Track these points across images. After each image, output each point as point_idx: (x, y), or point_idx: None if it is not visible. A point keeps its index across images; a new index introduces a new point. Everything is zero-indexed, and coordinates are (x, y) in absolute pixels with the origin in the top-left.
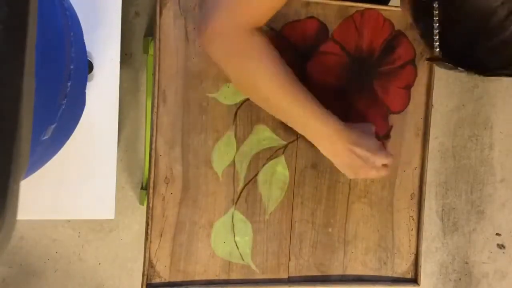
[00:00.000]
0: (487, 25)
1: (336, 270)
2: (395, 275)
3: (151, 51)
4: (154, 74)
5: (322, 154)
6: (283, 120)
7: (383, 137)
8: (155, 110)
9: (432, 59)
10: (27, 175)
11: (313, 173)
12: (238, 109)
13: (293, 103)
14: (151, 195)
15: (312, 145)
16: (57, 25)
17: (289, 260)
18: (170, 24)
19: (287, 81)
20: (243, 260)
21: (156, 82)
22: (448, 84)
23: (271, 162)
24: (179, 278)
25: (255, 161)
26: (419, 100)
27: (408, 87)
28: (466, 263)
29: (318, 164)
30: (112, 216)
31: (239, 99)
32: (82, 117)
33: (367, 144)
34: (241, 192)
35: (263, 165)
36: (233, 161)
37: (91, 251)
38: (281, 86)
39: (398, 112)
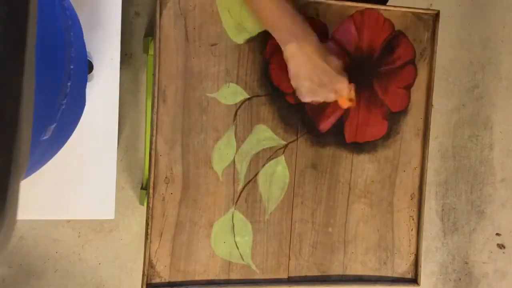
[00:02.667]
0: None
1: (336, 270)
2: (395, 275)
3: (151, 51)
4: (154, 74)
5: (322, 152)
6: (257, 17)
7: (383, 138)
8: (155, 110)
9: None
10: (27, 175)
11: (313, 173)
12: (238, 109)
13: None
14: (151, 195)
15: (312, 145)
16: (57, 25)
17: (289, 260)
18: (170, 24)
19: None
20: (243, 260)
21: (156, 82)
22: (448, 84)
23: (271, 162)
24: (179, 278)
25: (255, 161)
26: (419, 100)
27: (408, 87)
28: (466, 263)
29: (318, 164)
30: (112, 216)
31: (239, 99)
32: (82, 117)
33: (335, 63)
34: (241, 192)
35: (263, 165)
36: (233, 161)
37: (91, 251)
38: None
39: (398, 112)
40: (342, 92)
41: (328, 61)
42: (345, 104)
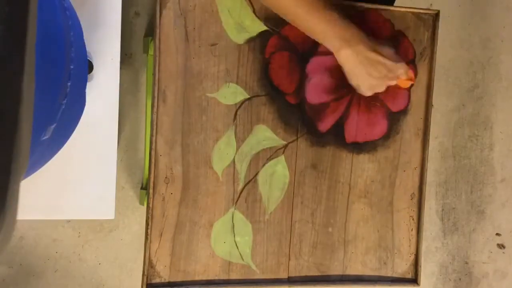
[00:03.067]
0: None
1: (336, 270)
2: (395, 275)
3: (151, 51)
4: (154, 74)
5: (322, 152)
6: (302, 28)
7: (383, 138)
8: (155, 110)
9: None
10: (27, 175)
11: (313, 173)
12: (238, 109)
13: (310, 10)
14: (151, 195)
15: (312, 145)
16: (57, 25)
17: (289, 260)
18: (170, 24)
19: None
20: (243, 260)
21: (156, 82)
22: (448, 84)
23: (271, 162)
24: (179, 278)
25: (255, 161)
26: (419, 100)
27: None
28: (466, 263)
29: (318, 164)
30: (112, 216)
31: (239, 99)
32: (82, 117)
33: (388, 52)
34: (241, 192)
35: (263, 165)
36: (233, 161)
37: (91, 251)
38: None
39: (398, 112)
40: (402, 76)
41: (381, 52)
42: (405, 84)
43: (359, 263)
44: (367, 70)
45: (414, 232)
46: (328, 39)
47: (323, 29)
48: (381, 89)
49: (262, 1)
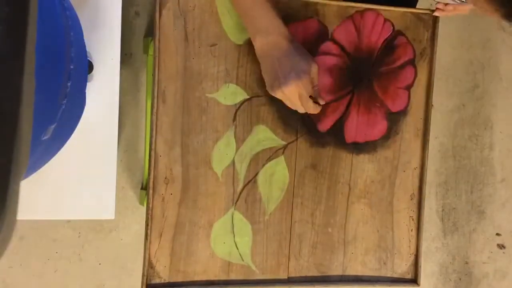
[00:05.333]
0: None
1: (336, 270)
2: (395, 275)
3: (151, 51)
4: (154, 74)
5: (322, 153)
6: (235, 8)
7: (383, 138)
8: (155, 110)
9: None
10: (27, 175)
11: (313, 173)
12: (238, 109)
13: None
14: (151, 195)
15: (312, 145)
16: (57, 25)
17: (289, 260)
18: (170, 24)
19: None
20: (242, 260)
21: (156, 82)
22: (448, 84)
23: (271, 163)
24: (179, 278)
25: (255, 161)
26: (419, 100)
27: (408, 87)
28: (466, 263)
29: (318, 164)
30: (112, 216)
31: (239, 99)
32: (82, 117)
33: (296, 62)
34: (240, 193)
35: (263, 165)
36: (233, 162)
37: (91, 251)
38: None
39: (398, 112)
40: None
41: (291, 59)
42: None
43: (359, 263)
44: (268, 67)
45: (414, 232)
46: (250, 21)
47: (250, 9)
48: (277, 93)
49: None
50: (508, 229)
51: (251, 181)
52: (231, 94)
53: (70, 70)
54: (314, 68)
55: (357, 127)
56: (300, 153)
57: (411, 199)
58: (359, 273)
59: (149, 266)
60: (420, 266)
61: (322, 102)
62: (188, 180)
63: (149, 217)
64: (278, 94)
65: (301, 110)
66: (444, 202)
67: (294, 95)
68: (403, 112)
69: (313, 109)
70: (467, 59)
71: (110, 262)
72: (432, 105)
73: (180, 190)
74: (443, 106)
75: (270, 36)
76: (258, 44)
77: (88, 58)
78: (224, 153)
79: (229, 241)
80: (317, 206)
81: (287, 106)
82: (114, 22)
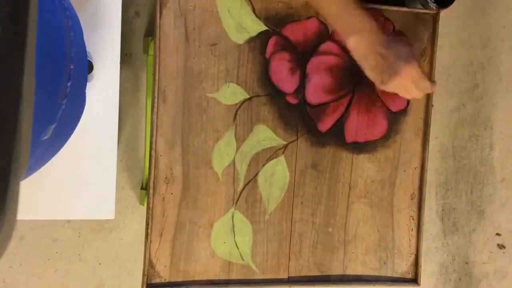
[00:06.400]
0: None
1: (336, 270)
2: (395, 275)
3: (151, 51)
4: (154, 74)
5: (322, 152)
6: (315, 5)
7: (383, 138)
8: (155, 110)
9: None
10: (27, 175)
11: (313, 173)
12: (238, 109)
13: None
14: (151, 195)
15: (312, 145)
16: (57, 25)
17: (289, 260)
18: (170, 24)
19: None
20: (243, 260)
21: (156, 82)
22: (448, 84)
23: (271, 162)
24: (179, 278)
25: (255, 161)
26: (419, 100)
27: None
28: (466, 263)
29: (318, 164)
30: (112, 216)
31: (239, 99)
32: (82, 117)
33: (398, 50)
34: (241, 192)
35: (263, 165)
36: (233, 161)
37: (91, 251)
38: None
39: (398, 112)
40: (408, 77)
41: (392, 49)
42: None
43: (359, 263)
44: (371, 63)
45: (414, 232)
46: (339, 24)
47: (335, 12)
48: (392, 84)
49: None
50: (508, 229)
51: (251, 181)
52: (231, 94)
53: (70, 70)
54: (415, 49)
55: (357, 127)
56: (300, 153)
57: (411, 199)
58: (360, 273)
59: (149, 265)
60: (420, 266)
61: (433, 80)
62: (188, 179)
63: (150, 216)
64: (391, 86)
65: (418, 95)
66: (444, 202)
67: (407, 81)
68: (403, 112)
69: (430, 88)
70: (467, 59)
71: (110, 262)
72: (432, 105)
73: (181, 190)
74: (443, 106)
75: (365, 35)
76: (353, 44)
77: (88, 58)
78: (224, 152)
79: (229, 241)
80: (318, 206)
81: (288, 106)
82: (114, 22)
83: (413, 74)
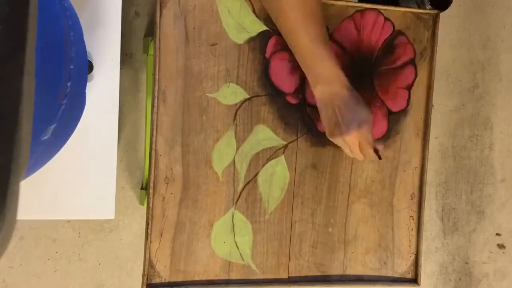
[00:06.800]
0: None
1: (336, 270)
2: (395, 275)
3: (151, 51)
4: (154, 74)
5: (322, 152)
6: (286, 36)
7: (383, 138)
8: (155, 110)
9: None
10: (27, 175)
11: (313, 173)
12: (238, 109)
13: (307, 22)
14: (151, 195)
15: (312, 145)
16: (57, 25)
17: (289, 260)
18: (170, 24)
19: (313, 14)
20: (243, 260)
21: (156, 82)
22: (448, 84)
23: (271, 162)
24: (179, 278)
25: (255, 161)
26: (419, 100)
27: (408, 87)
28: (466, 263)
29: (318, 164)
30: (112, 216)
31: (239, 99)
32: (82, 117)
33: (355, 112)
34: (241, 192)
35: (263, 165)
36: (233, 161)
37: (91, 251)
38: (305, 17)
39: (398, 112)
40: (350, 145)
41: (350, 108)
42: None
43: (359, 263)
44: (328, 115)
45: (414, 232)
46: (311, 73)
47: (308, 59)
48: (338, 141)
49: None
50: (508, 229)
51: (251, 181)
52: (231, 94)
53: (70, 70)
54: (370, 117)
55: None
56: (300, 153)
57: (411, 199)
58: (360, 273)
59: (149, 265)
60: (420, 266)
61: (380, 148)
62: (188, 179)
63: (150, 216)
64: (338, 141)
65: (360, 158)
66: (444, 202)
67: (355, 144)
68: (403, 112)
69: (373, 157)
70: (467, 59)
71: (110, 262)
72: (432, 105)
73: (181, 190)
74: (443, 106)
75: (331, 85)
76: (318, 92)
77: (88, 58)
78: (224, 152)
79: (229, 241)
80: (318, 206)
81: (288, 106)
82: (114, 22)
83: (361, 139)
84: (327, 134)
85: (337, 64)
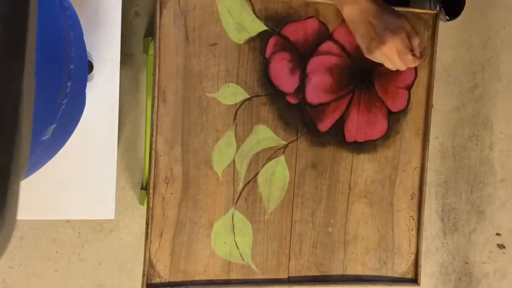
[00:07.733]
0: None
1: (336, 270)
2: (395, 275)
3: (151, 51)
4: (154, 74)
5: (322, 152)
6: None
7: (383, 138)
8: (155, 110)
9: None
10: (27, 175)
11: (313, 173)
12: (238, 109)
13: None
14: (151, 195)
15: (312, 145)
16: (57, 25)
17: (289, 260)
18: (170, 24)
19: None
20: (243, 260)
21: (156, 82)
22: (448, 84)
23: (271, 162)
24: (179, 278)
25: (255, 161)
26: (419, 100)
27: (408, 87)
28: (466, 263)
29: (318, 164)
30: (112, 216)
31: (239, 99)
32: (82, 117)
33: (388, 21)
34: (241, 192)
35: (263, 165)
36: (233, 161)
37: (91, 251)
38: None
39: (398, 112)
40: (402, 52)
41: (382, 19)
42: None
43: (359, 263)
44: (361, 31)
45: (414, 232)
46: None
47: None
48: (374, 56)
49: None
50: (508, 229)
51: (251, 181)
52: (231, 94)
53: (70, 70)
54: (406, 23)
55: (357, 126)
56: (300, 153)
57: (411, 199)
58: (360, 273)
59: (149, 265)
60: (420, 266)
61: (418, 54)
62: (188, 179)
63: (150, 216)
64: (377, 55)
65: (402, 67)
66: (444, 202)
67: (393, 52)
68: (403, 112)
69: (413, 62)
70: (467, 59)
71: (110, 262)
72: (432, 105)
73: (181, 190)
74: (443, 106)
75: (358, 4)
76: (347, 12)
77: (88, 58)
78: (224, 152)
79: (229, 241)
80: (318, 206)
81: (288, 106)
82: (114, 22)
83: (398, 45)
84: (365, 53)
85: None
